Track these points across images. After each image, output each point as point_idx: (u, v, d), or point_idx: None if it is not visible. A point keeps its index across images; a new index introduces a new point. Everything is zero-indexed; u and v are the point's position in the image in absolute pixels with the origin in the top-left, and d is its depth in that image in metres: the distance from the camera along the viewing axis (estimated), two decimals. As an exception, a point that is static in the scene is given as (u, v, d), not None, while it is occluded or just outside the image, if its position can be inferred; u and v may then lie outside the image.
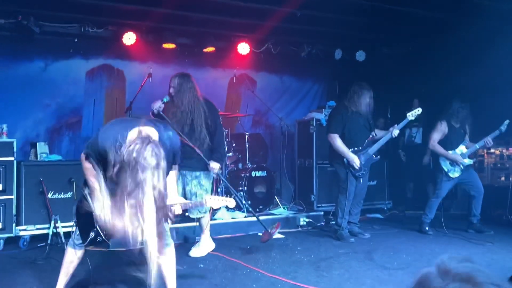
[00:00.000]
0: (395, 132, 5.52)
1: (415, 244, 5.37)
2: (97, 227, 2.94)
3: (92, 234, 2.97)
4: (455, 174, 5.84)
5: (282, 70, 8.31)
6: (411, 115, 5.50)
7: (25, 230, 5.10)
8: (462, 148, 5.87)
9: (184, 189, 4.55)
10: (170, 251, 3.17)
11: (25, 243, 5.11)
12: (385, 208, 7.72)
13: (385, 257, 4.75)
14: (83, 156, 2.77)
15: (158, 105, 4.27)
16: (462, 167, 5.81)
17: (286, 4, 5.83)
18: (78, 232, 3.06)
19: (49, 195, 5.17)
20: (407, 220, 6.92)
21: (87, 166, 2.74)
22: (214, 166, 4.50)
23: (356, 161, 5.40)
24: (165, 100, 4.32)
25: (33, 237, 5.16)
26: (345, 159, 5.46)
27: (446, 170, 5.83)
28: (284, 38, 7.54)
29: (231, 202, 3.28)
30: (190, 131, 4.41)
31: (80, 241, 3.05)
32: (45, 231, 5.08)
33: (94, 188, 2.67)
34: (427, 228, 5.95)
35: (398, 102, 7.92)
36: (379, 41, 7.88)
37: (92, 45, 6.65)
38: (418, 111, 5.51)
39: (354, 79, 5.92)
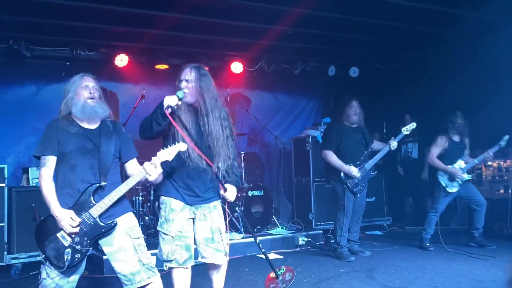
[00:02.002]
0: (393, 144, 5.46)
1: (416, 260, 5.27)
2: (70, 243, 2.73)
3: (67, 255, 2.72)
4: (453, 189, 5.76)
5: (276, 88, 8.30)
6: (406, 130, 5.50)
7: (16, 258, 4.98)
8: (460, 163, 5.80)
9: (198, 232, 3.25)
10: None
11: (16, 271, 4.98)
12: (385, 225, 7.64)
13: (387, 276, 4.65)
14: None
15: (175, 103, 3.06)
16: (461, 182, 5.75)
17: (278, 23, 5.83)
18: (49, 262, 2.76)
19: (42, 221, 5.04)
20: (407, 236, 6.84)
21: None
22: (232, 192, 3.31)
23: (353, 170, 5.34)
24: (180, 96, 3.10)
25: (24, 265, 5.04)
26: (342, 175, 5.40)
27: (444, 185, 5.76)
28: (277, 56, 7.54)
29: (182, 146, 2.92)
30: (203, 144, 3.20)
31: (58, 269, 2.74)
32: (37, 259, 4.95)
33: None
34: (427, 244, 5.85)
35: (393, 117, 7.92)
36: (372, 56, 7.90)
37: (84, 68, 6.42)
38: (412, 125, 5.52)
39: (349, 95, 5.90)
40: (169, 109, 3.03)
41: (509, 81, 6.24)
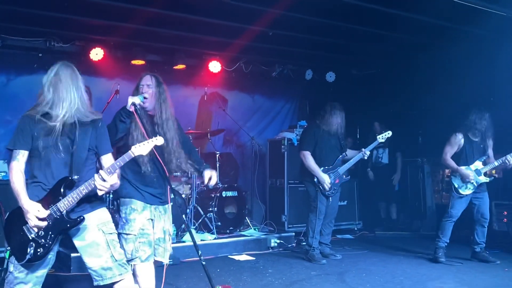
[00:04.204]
0: (367, 153, 5.54)
1: (387, 265, 5.34)
2: (34, 236, 2.66)
3: (30, 248, 2.65)
4: (466, 191, 5.34)
5: (253, 89, 8.29)
6: (381, 138, 5.57)
7: (-22, 254, 4.78)
8: (477, 164, 5.38)
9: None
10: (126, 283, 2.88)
11: (-22, 267, 4.79)
12: (355, 229, 7.71)
13: (358, 279, 4.69)
14: None
15: (138, 101, 3.23)
16: (476, 185, 5.36)
17: (258, 23, 5.82)
18: (13, 255, 2.71)
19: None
20: (378, 241, 6.93)
21: None
22: (213, 174, 3.62)
23: (326, 181, 5.38)
24: (142, 99, 3.28)
25: (-13, 262, 4.84)
26: (315, 178, 5.43)
27: (456, 186, 5.38)
28: (256, 58, 7.53)
29: (159, 140, 2.85)
30: (157, 150, 3.20)
31: (19, 261, 2.67)
32: (1, 255, 4.77)
33: None
34: (440, 254, 5.38)
35: (367, 123, 8.00)
36: (349, 62, 7.99)
37: (57, 60, 6.30)
38: (388, 134, 5.59)
39: (324, 99, 5.97)
40: (133, 107, 3.19)
41: (480, 90, 6.41)
